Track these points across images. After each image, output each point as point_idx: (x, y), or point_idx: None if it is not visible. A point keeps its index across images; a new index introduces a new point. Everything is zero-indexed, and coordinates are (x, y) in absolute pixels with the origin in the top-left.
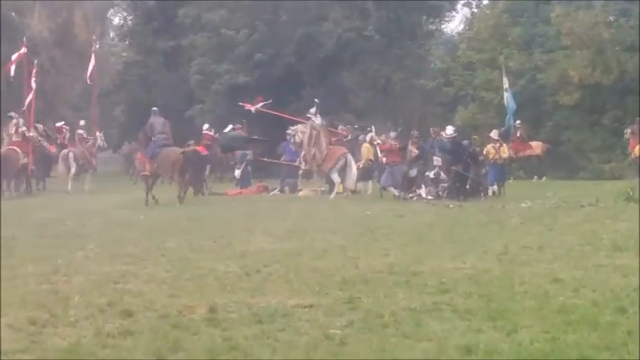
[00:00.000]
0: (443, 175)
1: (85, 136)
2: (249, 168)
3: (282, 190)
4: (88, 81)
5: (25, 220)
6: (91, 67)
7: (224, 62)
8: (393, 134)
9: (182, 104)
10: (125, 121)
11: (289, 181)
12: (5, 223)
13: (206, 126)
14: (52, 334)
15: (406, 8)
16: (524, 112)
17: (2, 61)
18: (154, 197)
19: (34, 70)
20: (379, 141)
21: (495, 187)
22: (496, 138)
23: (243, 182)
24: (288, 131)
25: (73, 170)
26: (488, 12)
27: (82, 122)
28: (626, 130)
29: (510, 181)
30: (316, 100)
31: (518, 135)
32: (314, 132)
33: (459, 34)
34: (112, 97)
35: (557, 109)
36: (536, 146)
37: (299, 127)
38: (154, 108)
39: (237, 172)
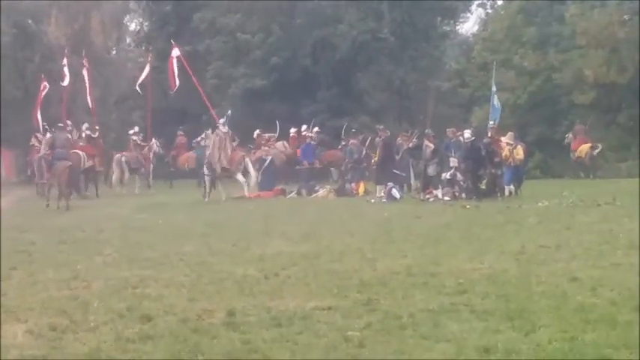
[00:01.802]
0: (459, 175)
1: (139, 142)
2: (271, 171)
3: (299, 193)
4: (138, 90)
5: (46, 226)
6: (144, 76)
7: (240, 66)
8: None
9: (199, 109)
10: (143, 126)
11: (306, 184)
12: (26, 229)
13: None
14: (73, 340)
15: (420, 10)
16: (540, 112)
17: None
18: (47, 203)
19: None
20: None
21: (512, 187)
22: (509, 142)
23: (265, 185)
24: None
25: (126, 175)
26: (502, 12)
27: (136, 129)
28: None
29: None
30: (229, 112)
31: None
32: (217, 138)
33: (473, 35)
34: (129, 103)
35: (573, 109)
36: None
37: (208, 133)
38: (60, 124)
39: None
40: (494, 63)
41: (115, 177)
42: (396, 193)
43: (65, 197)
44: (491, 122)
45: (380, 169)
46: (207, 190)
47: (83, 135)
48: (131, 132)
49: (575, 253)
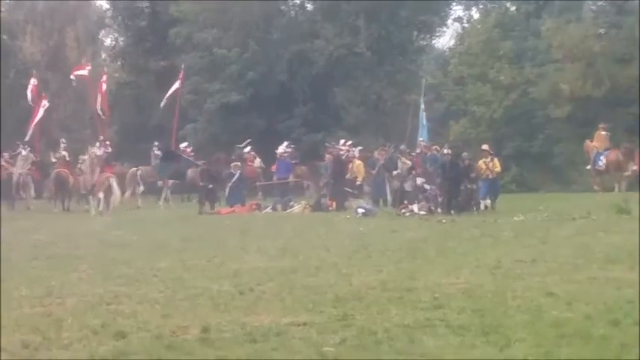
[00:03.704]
0: (428, 186)
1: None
2: (241, 185)
3: (274, 208)
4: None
5: (20, 243)
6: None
7: (216, 81)
8: None
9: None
10: (119, 142)
11: (282, 199)
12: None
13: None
14: (46, 358)
15: (397, 24)
16: (516, 126)
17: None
18: None
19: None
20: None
21: (488, 201)
22: (488, 151)
23: (234, 200)
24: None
25: (140, 189)
26: (479, 27)
27: (155, 143)
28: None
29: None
30: (101, 137)
31: (419, 152)
32: (90, 161)
33: (449, 49)
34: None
35: (549, 123)
36: None
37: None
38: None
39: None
40: (424, 80)
41: (128, 192)
42: (360, 210)
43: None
44: (421, 139)
45: (332, 185)
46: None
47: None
48: (155, 144)
49: (551, 267)
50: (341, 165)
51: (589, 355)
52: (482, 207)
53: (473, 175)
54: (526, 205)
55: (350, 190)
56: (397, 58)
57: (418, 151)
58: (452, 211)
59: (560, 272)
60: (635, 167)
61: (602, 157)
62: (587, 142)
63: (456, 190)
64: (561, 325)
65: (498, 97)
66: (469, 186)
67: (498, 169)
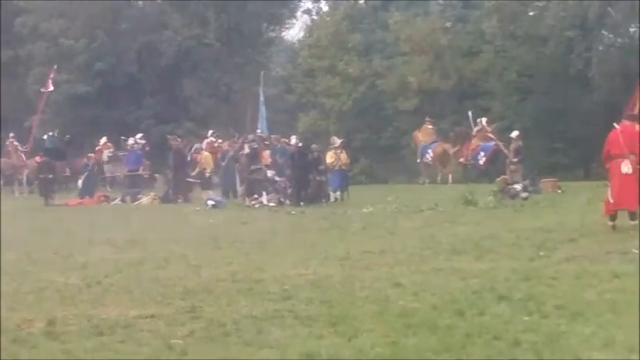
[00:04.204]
0: (278, 178)
1: (21, 148)
2: (93, 178)
3: (123, 200)
4: None
5: None
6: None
7: (63, 72)
8: None
9: (21, 114)
10: None
11: (130, 191)
12: None
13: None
14: None
15: (246, 16)
16: (365, 118)
17: None
18: None
19: None
20: None
21: (338, 192)
22: (336, 145)
23: (86, 192)
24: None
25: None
26: (328, 19)
27: (11, 134)
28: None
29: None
30: None
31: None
32: None
33: (299, 41)
34: None
35: (397, 115)
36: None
37: None
38: None
39: (80, 182)
40: (262, 74)
41: None
42: (210, 202)
43: None
44: (259, 131)
45: (174, 177)
46: None
47: None
48: (11, 135)
49: (399, 258)
50: (182, 157)
51: (435, 345)
52: (332, 199)
53: (322, 167)
54: (375, 197)
55: (193, 181)
56: (247, 49)
57: (255, 145)
58: (301, 203)
59: (408, 263)
60: (462, 159)
61: (429, 151)
62: (415, 133)
63: (305, 181)
64: (408, 315)
65: (347, 89)
66: (318, 178)
67: (347, 160)
